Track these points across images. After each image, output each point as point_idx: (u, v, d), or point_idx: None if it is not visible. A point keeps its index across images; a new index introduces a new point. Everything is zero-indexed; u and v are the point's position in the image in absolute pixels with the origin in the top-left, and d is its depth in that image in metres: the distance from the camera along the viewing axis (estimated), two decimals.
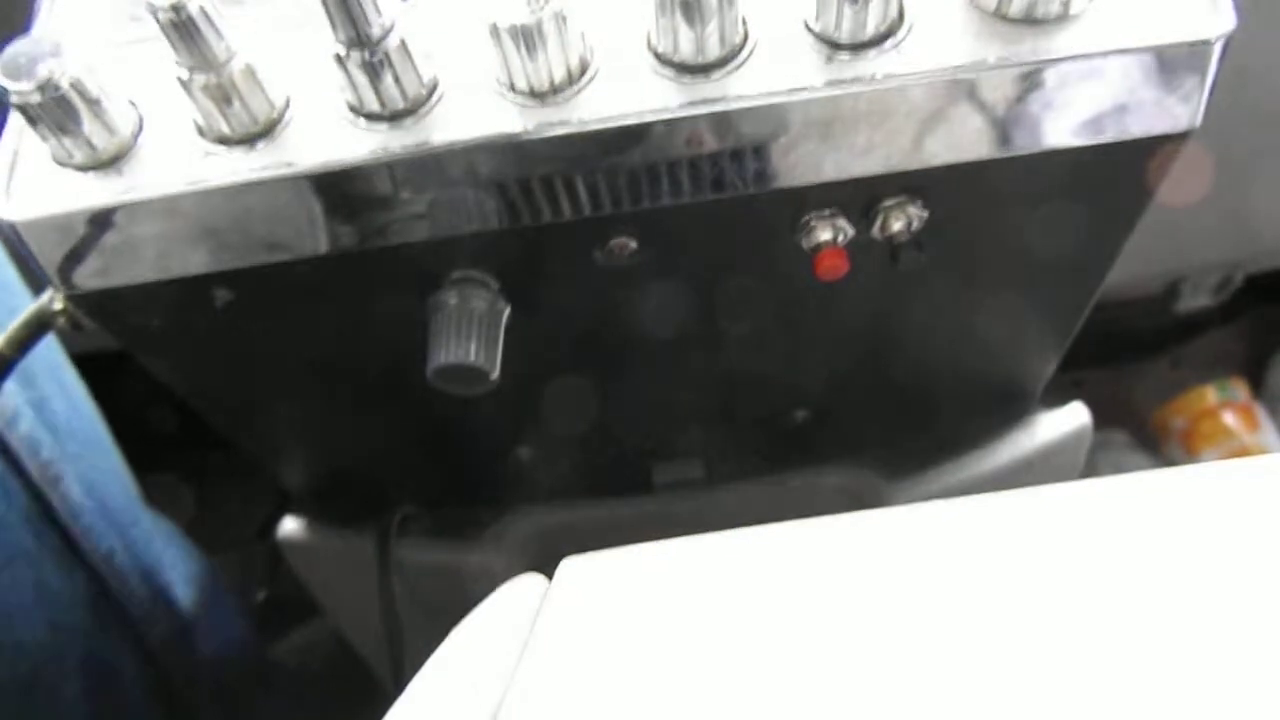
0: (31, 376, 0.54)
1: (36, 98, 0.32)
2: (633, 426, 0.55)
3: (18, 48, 0.32)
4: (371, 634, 0.61)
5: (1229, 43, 0.33)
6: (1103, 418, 0.62)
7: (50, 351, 0.58)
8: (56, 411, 0.56)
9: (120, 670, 0.60)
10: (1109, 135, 0.36)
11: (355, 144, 0.34)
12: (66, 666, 0.55)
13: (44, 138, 0.34)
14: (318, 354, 0.44)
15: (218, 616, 0.73)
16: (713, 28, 0.33)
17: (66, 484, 0.55)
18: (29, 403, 0.53)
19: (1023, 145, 0.36)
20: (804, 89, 0.33)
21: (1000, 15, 0.34)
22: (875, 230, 0.38)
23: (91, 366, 0.62)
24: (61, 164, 0.35)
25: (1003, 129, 0.35)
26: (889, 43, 0.34)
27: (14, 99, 0.32)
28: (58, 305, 0.40)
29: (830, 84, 0.33)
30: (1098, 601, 0.28)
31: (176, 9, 0.31)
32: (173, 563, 0.67)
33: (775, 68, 0.34)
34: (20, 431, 0.51)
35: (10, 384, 0.47)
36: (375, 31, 0.32)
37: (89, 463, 0.58)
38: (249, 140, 0.34)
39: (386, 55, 0.33)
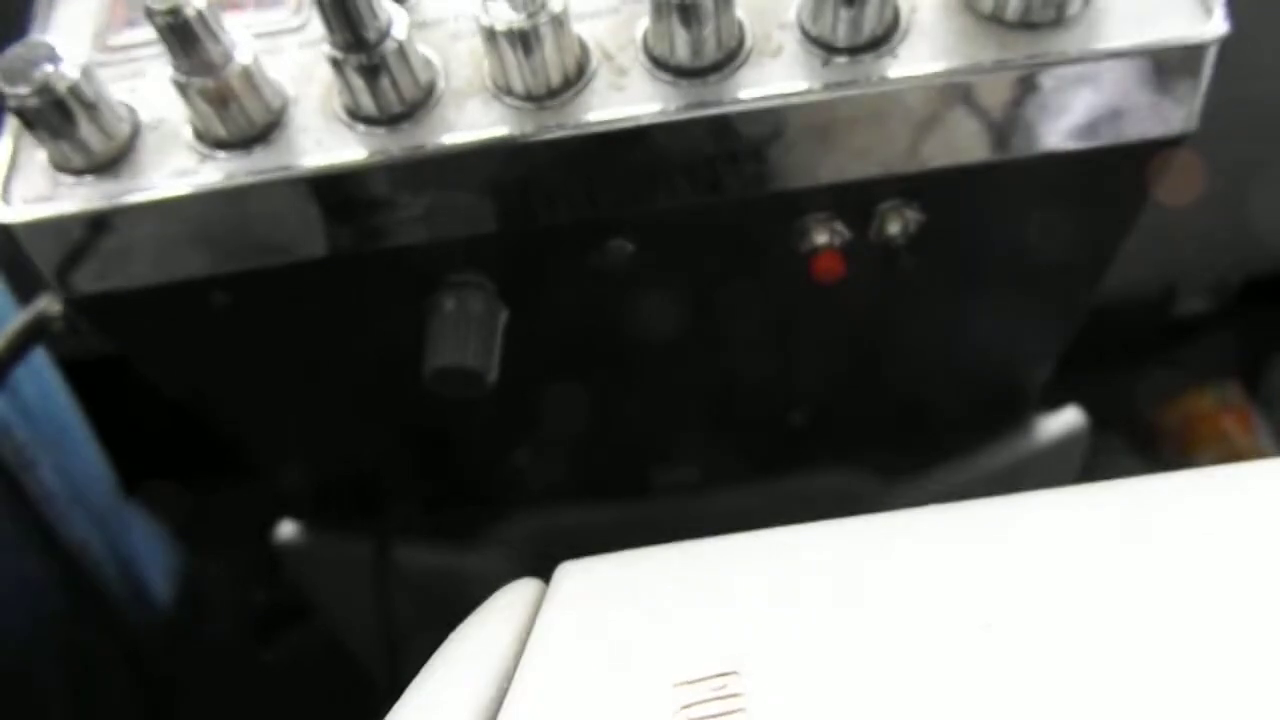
0: None
1: (34, 101, 0.32)
2: (630, 429, 0.55)
3: (15, 51, 0.32)
4: (368, 637, 0.61)
5: (1224, 46, 0.33)
6: (1099, 420, 0.62)
7: None
8: (28, 397, 0.55)
9: (99, 659, 0.60)
10: (1105, 139, 0.36)
11: (352, 147, 0.34)
12: (45, 655, 0.54)
13: (41, 141, 0.34)
14: (315, 357, 0.44)
15: (199, 612, 0.72)
16: (709, 31, 0.33)
17: (41, 469, 0.54)
18: None
19: (1019, 149, 0.36)
20: (801, 92, 0.34)
21: (996, 19, 0.34)
22: (872, 233, 0.38)
23: (88, 370, 0.62)
24: (59, 168, 0.35)
25: (999, 132, 0.35)
26: (885, 46, 0.34)
27: (11, 103, 0.32)
28: (55, 309, 0.40)
29: (827, 87, 0.34)
30: (1094, 606, 0.28)
31: (173, 12, 0.31)
32: (152, 556, 0.67)
33: (772, 71, 0.34)
34: None
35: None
36: (372, 35, 0.32)
37: (63, 450, 0.57)
38: (246, 143, 0.34)
39: (383, 59, 0.33)
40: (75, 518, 0.57)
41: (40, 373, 0.58)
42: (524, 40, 0.32)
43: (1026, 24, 0.33)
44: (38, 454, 0.54)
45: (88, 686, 0.58)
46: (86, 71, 0.33)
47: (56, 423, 0.58)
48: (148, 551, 0.67)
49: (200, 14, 0.31)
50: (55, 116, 0.33)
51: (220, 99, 0.33)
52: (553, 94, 0.34)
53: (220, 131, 0.34)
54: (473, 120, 0.34)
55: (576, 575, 0.34)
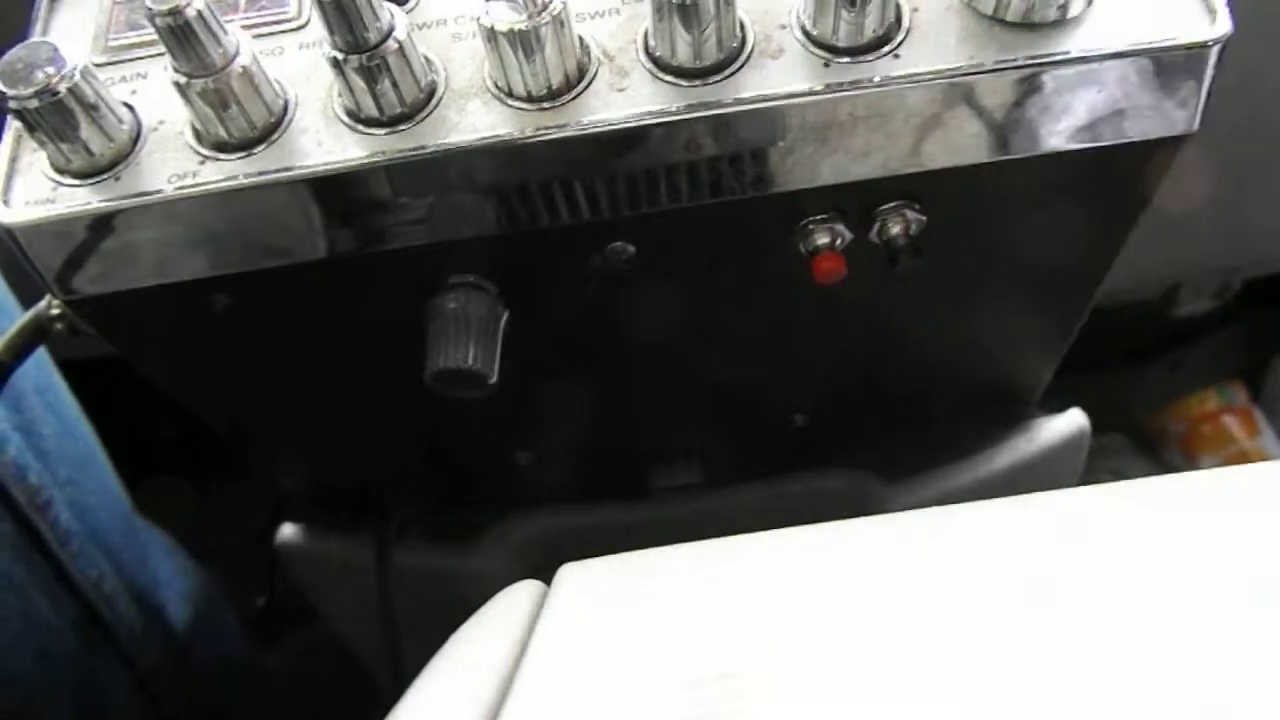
0: (19, 399, 0.53)
1: (34, 104, 0.32)
2: (631, 430, 0.55)
3: (16, 54, 0.32)
4: (370, 639, 0.60)
5: (1226, 47, 0.33)
6: (1101, 422, 0.62)
7: (42, 372, 0.57)
8: (45, 435, 0.55)
9: (111, 697, 0.59)
10: (1107, 139, 0.36)
11: (353, 148, 0.34)
12: (56, 696, 0.54)
13: (42, 144, 0.34)
14: (316, 359, 0.44)
15: (213, 633, 0.72)
16: (710, 32, 0.33)
17: (55, 510, 0.54)
18: (16, 427, 0.52)
19: (1020, 149, 0.36)
20: (802, 93, 0.33)
21: (998, 19, 0.34)
22: (873, 234, 0.38)
23: (90, 372, 0.62)
24: (59, 170, 0.35)
25: (1000, 133, 0.35)
26: (886, 47, 0.34)
27: (11, 105, 0.32)
28: (55, 311, 0.40)
29: (828, 88, 0.33)
30: (1097, 608, 0.28)
31: (174, 14, 0.31)
32: (167, 581, 0.67)
33: (773, 72, 0.34)
34: (6, 457, 0.51)
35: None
36: (373, 36, 0.32)
37: (79, 486, 0.57)
38: (247, 145, 0.34)
39: (384, 60, 0.33)
40: (90, 554, 0.57)
41: (60, 412, 0.58)
42: (525, 41, 0.32)
43: (1028, 24, 0.33)
44: (54, 494, 0.54)
45: None
46: (87, 73, 0.33)
47: (74, 460, 0.58)
48: (163, 577, 0.66)
49: (201, 15, 0.31)
50: (56, 118, 0.33)
51: (221, 100, 0.33)
52: (553, 95, 0.34)
53: (221, 133, 0.34)
54: (473, 121, 0.34)
55: (578, 577, 0.34)
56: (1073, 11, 0.33)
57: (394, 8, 0.33)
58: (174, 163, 0.35)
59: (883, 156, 0.36)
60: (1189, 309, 0.94)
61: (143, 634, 0.61)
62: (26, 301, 0.44)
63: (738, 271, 0.41)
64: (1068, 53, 0.33)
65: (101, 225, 0.35)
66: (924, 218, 0.38)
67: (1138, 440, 1.07)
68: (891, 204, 0.37)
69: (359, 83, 0.33)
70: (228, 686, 0.73)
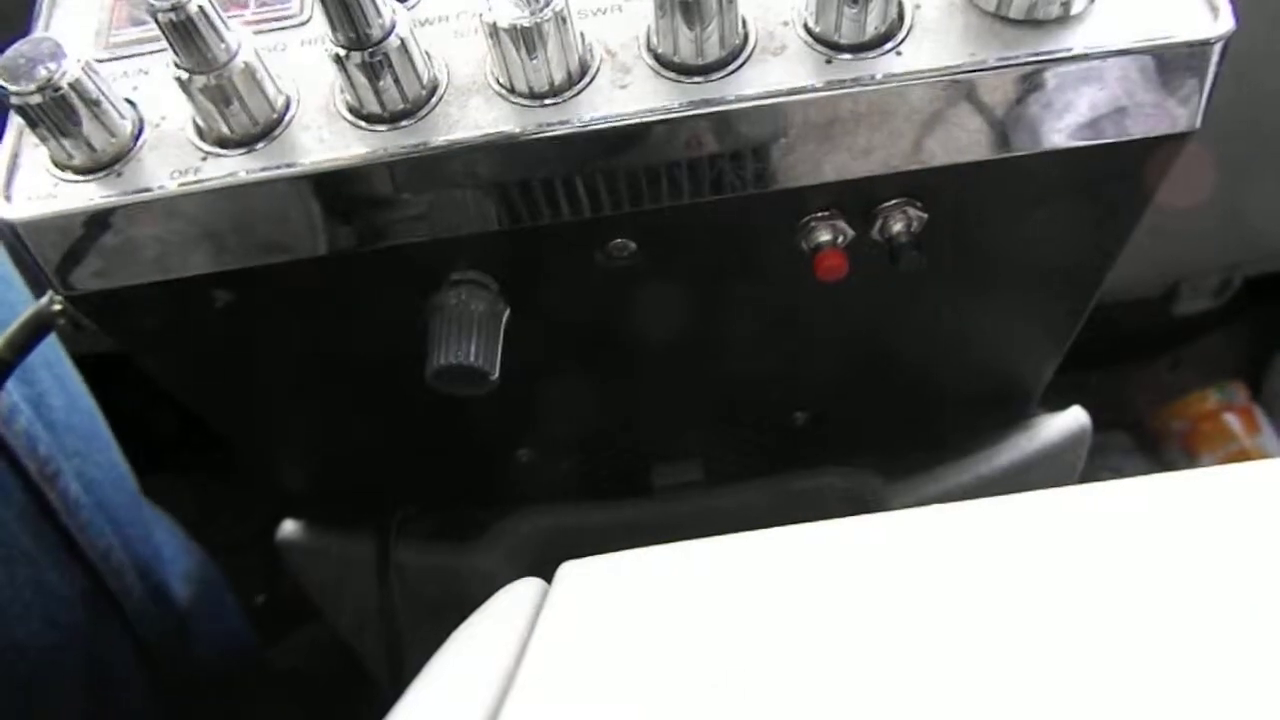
0: (29, 372, 0.54)
1: (36, 99, 0.32)
2: (632, 428, 0.55)
3: (18, 49, 0.32)
4: (371, 636, 0.61)
5: (1229, 45, 0.33)
6: (1102, 420, 0.62)
7: (49, 347, 0.57)
8: (54, 407, 0.55)
9: (117, 668, 0.60)
10: (1109, 136, 0.36)
11: (355, 145, 0.34)
12: (64, 665, 0.55)
13: (44, 139, 0.34)
14: (317, 356, 0.44)
15: (215, 613, 0.73)
16: (712, 29, 0.33)
17: (64, 481, 0.54)
18: (26, 399, 0.52)
19: (1022, 146, 0.36)
20: (804, 90, 0.33)
21: (1000, 16, 0.34)
22: (875, 231, 0.38)
23: (93, 367, 0.62)
24: (61, 165, 0.35)
25: (1002, 130, 0.35)
26: (889, 44, 0.34)
27: (14, 100, 0.32)
28: (57, 306, 0.40)
29: (830, 85, 0.33)
30: (1097, 606, 0.28)
31: (176, 9, 0.31)
32: (171, 558, 0.67)
33: (775, 69, 0.34)
34: (17, 428, 0.51)
35: (8, 380, 0.47)
36: (375, 32, 0.32)
37: (87, 459, 0.58)
38: (248, 141, 0.34)
39: (386, 56, 0.33)
40: (98, 526, 0.57)
41: (68, 385, 0.58)
42: (527, 38, 0.32)
43: (1031, 21, 0.33)
44: (62, 465, 0.54)
45: (104, 696, 0.58)
46: (89, 69, 0.33)
47: (82, 433, 0.58)
48: (168, 554, 0.67)
49: (203, 11, 0.31)
50: (58, 114, 0.33)
51: (223, 96, 0.33)
52: (555, 92, 0.34)
53: (223, 129, 0.34)
54: (475, 118, 0.34)
55: (578, 575, 0.34)
56: (1075, 9, 0.33)
57: (396, 4, 0.33)
58: (175, 159, 0.35)
59: (884, 154, 0.36)
60: (1190, 307, 0.94)
61: (147, 607, 0.61)
62: (39, 292, 0.44)
63: (739, 268, 0.41)
64: (1070, 50, 0.33)
65: (103, 221, 0.35)
66: (926, 215, 0.38)
67: (1138, 438, 1.07)
68: (893, 201, 0.37)
69: (361, 79, 0.33)
70: (229, 666, 0.74)
